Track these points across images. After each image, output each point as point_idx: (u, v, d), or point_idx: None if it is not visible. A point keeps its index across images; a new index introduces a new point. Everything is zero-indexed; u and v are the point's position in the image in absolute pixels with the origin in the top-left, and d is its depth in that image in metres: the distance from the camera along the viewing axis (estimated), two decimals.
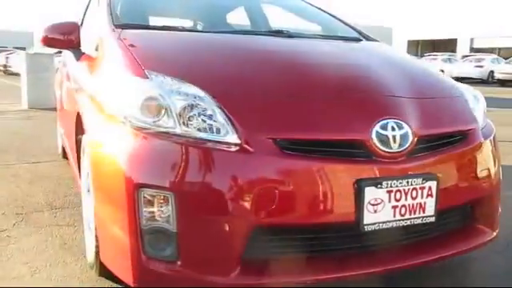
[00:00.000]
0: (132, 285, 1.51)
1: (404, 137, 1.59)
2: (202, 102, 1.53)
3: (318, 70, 1.89)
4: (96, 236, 1.74)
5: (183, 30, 2.56)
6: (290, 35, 2.43)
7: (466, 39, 38.24)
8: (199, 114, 1.51)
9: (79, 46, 2.39)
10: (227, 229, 1.44)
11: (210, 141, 1.47)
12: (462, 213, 1.86)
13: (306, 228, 1.53)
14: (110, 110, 1.65)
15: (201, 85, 1.58)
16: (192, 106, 1.52)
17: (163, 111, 1.51)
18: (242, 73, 1.78)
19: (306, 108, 1.61)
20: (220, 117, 1.50)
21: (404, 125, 1.60)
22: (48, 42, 2.39)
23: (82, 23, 3.09)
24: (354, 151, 1.54)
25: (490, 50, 27.73)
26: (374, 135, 1.55)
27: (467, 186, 1.77)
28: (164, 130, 1.49)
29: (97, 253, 1.75)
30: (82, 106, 2.05)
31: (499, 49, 33.25)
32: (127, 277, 1.52)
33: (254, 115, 1.54)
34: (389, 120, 1.59)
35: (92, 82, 1.99)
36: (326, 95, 1.69)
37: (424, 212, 1.60)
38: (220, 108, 1.52)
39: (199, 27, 2.94)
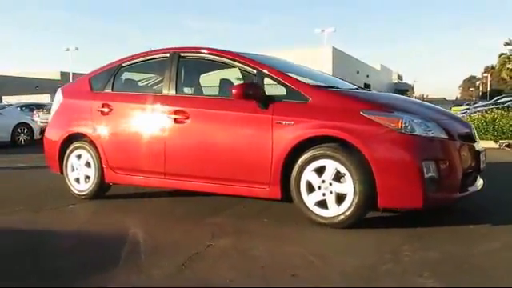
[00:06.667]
0: (421, 207, 3.21)
1: (474, 132, 3.80)
2: (424, 121, 3.37)
3: (421, 104, 3.98)
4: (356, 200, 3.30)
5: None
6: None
7: None
8: (425, 125, 3.34)
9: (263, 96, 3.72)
10: (456, 171, 3.34)
11: (436, 137, 3.33)
12: None
13: (470, 171, 3.54)
14: (377, 128, 3.28)
15: (417, 114, 3.42)
16: (422, 123, 3.34)
17: (414, 126, 3.28)
18: (418, 108, 3.69)
19: (451, 121, 3.66)
20: (436, 126, 3.37)
21: (472, 126, 3.82)
22: (243, 95, 3.68)
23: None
24: (470, 138, 3.65)
25: None
26: (471, 131, 3.71)
27: None
28: (415, 133, 3.27)
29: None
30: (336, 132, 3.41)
31: None
32: (417, 204, 3.21)
33: (444, 126, 3.46)
34: (471, 125, 3.78)
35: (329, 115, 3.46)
36: (443, 116, 3.77)
37: (484, 164, 3.81)
38: (432, 123, 3.38)
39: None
